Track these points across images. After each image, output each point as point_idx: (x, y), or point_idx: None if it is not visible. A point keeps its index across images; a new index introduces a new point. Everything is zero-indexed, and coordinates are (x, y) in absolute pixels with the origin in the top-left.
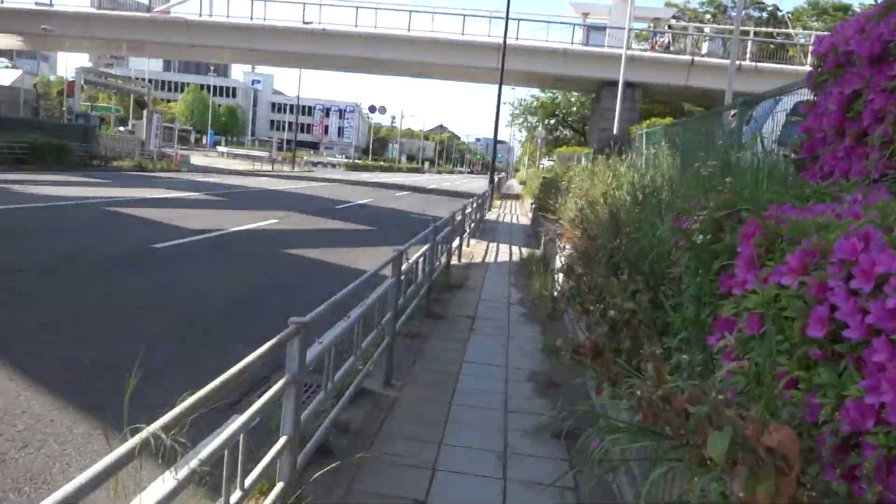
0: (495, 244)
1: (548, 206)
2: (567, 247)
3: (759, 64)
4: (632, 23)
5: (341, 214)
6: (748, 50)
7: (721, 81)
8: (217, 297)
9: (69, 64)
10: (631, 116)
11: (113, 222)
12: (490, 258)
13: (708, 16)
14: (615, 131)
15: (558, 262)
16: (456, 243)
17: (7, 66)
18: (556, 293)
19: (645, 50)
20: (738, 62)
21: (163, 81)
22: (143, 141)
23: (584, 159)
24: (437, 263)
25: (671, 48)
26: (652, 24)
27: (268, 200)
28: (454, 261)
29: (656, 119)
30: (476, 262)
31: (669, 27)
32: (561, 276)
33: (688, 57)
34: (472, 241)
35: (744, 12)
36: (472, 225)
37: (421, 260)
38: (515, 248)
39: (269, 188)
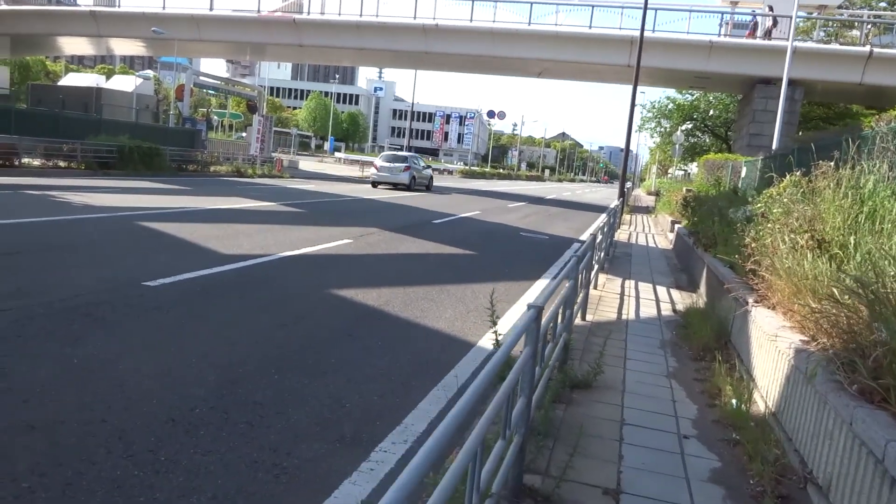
0: (632, 282)
1: (707, 235)
2: (791, 333)
3: None
4: (794, 10)
5: (434, 232)
6: None
7: None
8: (149, 401)
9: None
10: (790, 119)
11: (124, 243)
12: (628, 311)
13: (883, 3)
14: (776, 136)
15: (753, 345)
16: (580, 298)
17: (149, 78)
18: (767, 411)
19: (806, 39)
20: None
21: (290, 90)
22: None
23: (745, 169)
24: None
25: (839, 40)
26: (818, 12)
27: (354, 213)
28: (577, 319)
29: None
30: (609, 321)
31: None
32: (759, 372)
33: (865, 48)
34: (601, 278)
35: None
36: (601, 255)
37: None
38: (661, 290)
39: (366, 197)
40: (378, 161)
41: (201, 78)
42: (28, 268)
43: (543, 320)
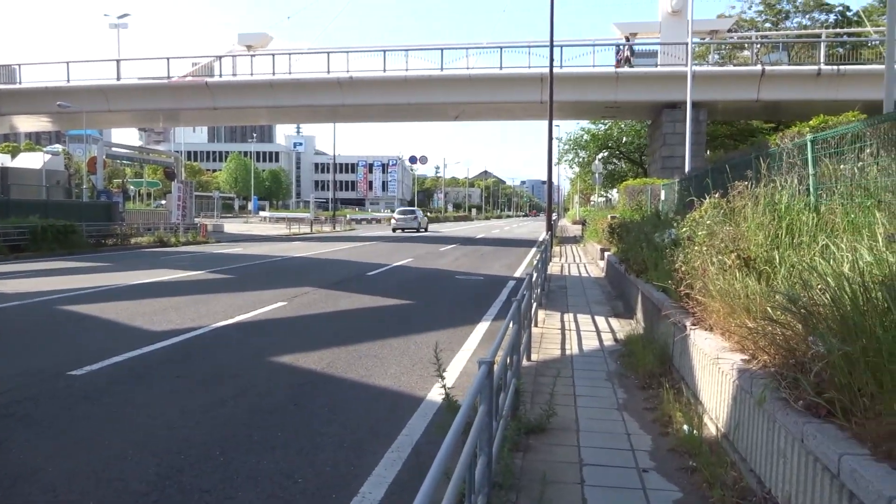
0: (571, 315)
1: (637, 261)
2: (731, 353)
3: (841, 67)
4: (689, 37)
5: (370, 284)
6: (820, 56)
7: (796, 91)
8: None
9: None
10: (698, 139)
11: (43, 331)
12: (571, 345)
13: (768, 24)
14: (687, 157)
15: (696, 368)
16: (524, 339)
17: (58, 153)
18: (719, 434)
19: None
20: (816, 67)
21: (208, 153)
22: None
23: (663, 192)
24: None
25: (733, 62)
26: (710, 37)
27: (286, 273)
28: (523, 360)
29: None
30: (554, 359)
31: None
32: (705, 395)
33: (758, 67)
34: (541, 314)
35: (807, 16)
36: (538, 291)
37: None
38: (601, 320)
39: (296, 255)
40: (396, 214)
41: (114, 149)
42: None
43: (495, 374)
